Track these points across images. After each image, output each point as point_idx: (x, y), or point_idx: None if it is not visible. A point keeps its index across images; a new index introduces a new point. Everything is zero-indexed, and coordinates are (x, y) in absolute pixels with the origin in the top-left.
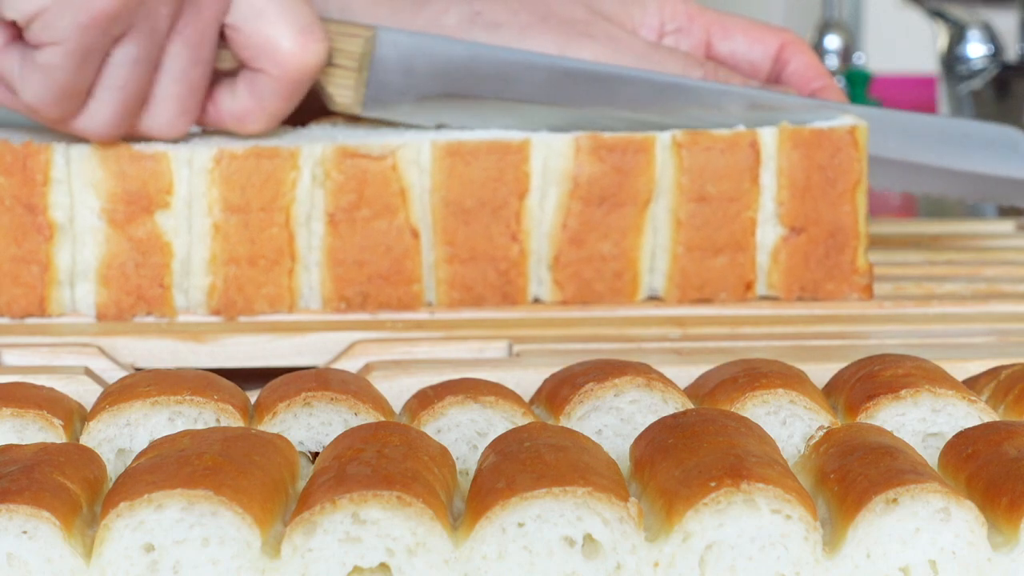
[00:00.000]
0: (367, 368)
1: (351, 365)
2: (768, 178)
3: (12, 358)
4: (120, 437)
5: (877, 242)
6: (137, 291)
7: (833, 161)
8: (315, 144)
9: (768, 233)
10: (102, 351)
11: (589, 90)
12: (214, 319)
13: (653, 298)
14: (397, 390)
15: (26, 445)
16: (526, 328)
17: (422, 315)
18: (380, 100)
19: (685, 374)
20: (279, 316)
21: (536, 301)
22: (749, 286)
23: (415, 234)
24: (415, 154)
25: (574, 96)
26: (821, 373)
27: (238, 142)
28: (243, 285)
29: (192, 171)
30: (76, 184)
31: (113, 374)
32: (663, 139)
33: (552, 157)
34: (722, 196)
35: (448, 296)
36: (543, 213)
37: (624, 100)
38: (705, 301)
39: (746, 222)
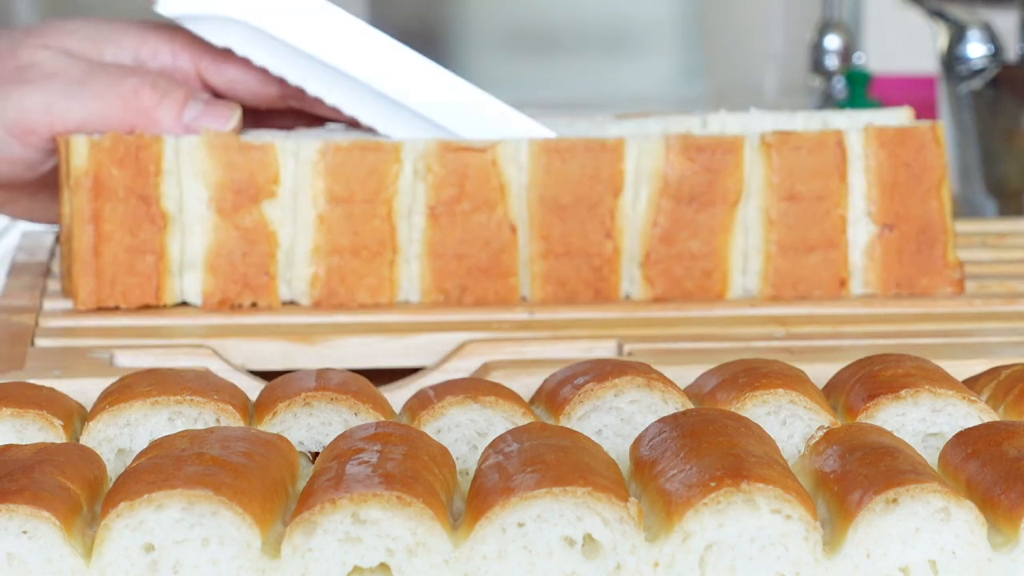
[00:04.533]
0: (485, 368)
1: (463, 366)
2: (856, 177)
3: (125, 359)
4: (120, 437)
5: None
6: (243, 280)
7: (918, 158)
8: (418, 139)
9: (860, 232)
10: (215, 353)
11: (394, 67)
12: (323, 319)
13: (746, 298)
14: (518, 389)
15: (26, 445)
16: (630, 328)
17: (522, 315)
18: None
19: (685, 374)
20: (385, 316)
21: (627, 298)
22: (843, 283)
23: (513, 229)
24: (514, 151)
25: (376, 71)
26: (822, 373)
27: (343, 135)
28: (345, 276)
29: (298, 162)
30: (185, 174)
31: (228, 376)
32: (751, 139)
33: (643, 156)
34: (812, 195)
35: (543, 291)
36: (635, 211)
37: None
38: (800, 299)
39: (836, 220)
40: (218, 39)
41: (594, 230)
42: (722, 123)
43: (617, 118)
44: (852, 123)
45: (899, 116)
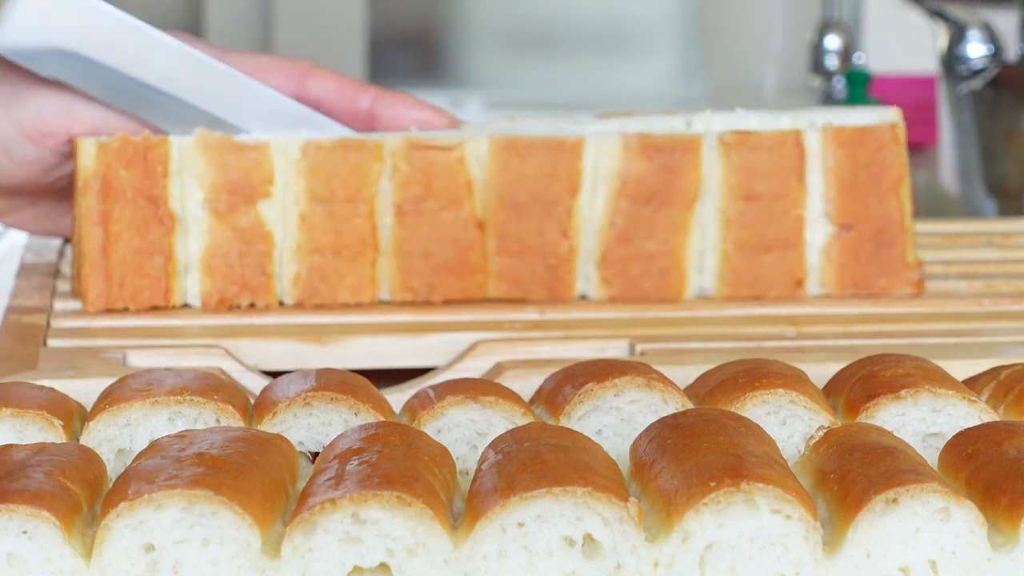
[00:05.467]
0: (498, 368)
1: (475, 366)
2: (814, 177)
3: (138, 360)
4: (120, 437)
5: (949, 240)
6: (241, 280)
7: (877, 158)
8: (396, 137)
9: (817, 232)
10: (228, 353)
11: (219, 88)
12: (335, 319)
13: (703, 297)
14: (530, 389)
15: (26, 445)
16: (642, 327)
17: (533, 315)
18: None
19: (685, 374)
20: (397, 316)
21: (583, 298)
22: (799, 283)
23: (480, 227)
24: (478, 148)
25: (202, 92)
26: (822, 373)
27: (325, 133)
28: (327, 275)
29: (286, 161)
30: (185, 175)
31: (241, 375)
32: (709, 139)
33: (602, 155)
34: (770, 194)
35: (497, 288)
36: (592, 211)
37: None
38: (756, 299)
39: (794, 220)
40: (53, 71)
41: (551, 229)
42: (707, 123)
43: (600, 117)
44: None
45: (888, 117)
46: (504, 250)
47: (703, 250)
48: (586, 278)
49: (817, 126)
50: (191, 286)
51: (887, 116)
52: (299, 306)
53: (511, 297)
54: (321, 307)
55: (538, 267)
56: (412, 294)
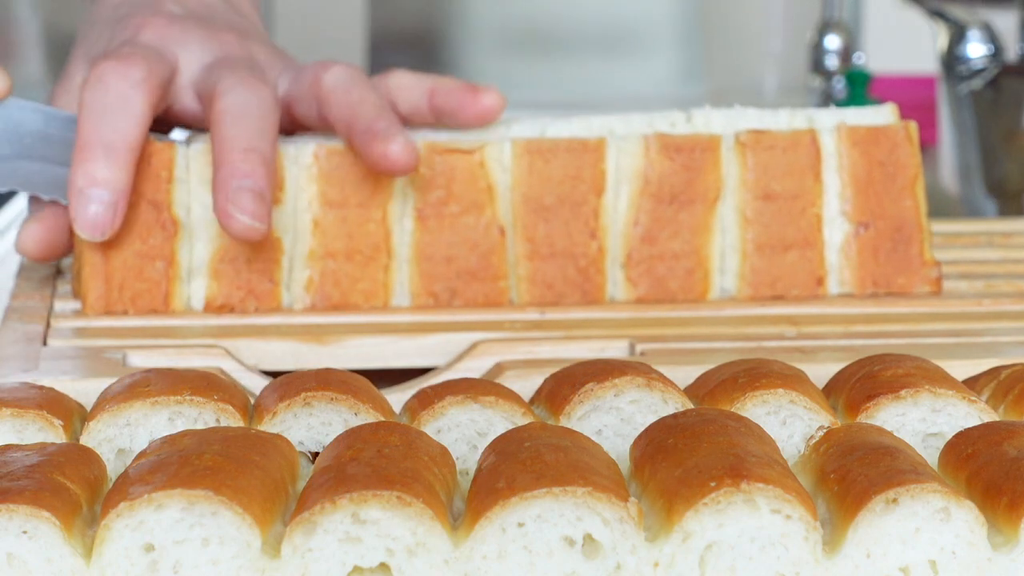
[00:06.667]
0: (498, 368)
1: (475, 365)
2: (830, 176)
3: (138, 360)
4: (120, 437)
5: (949, 240)
6: (247, 285)
7: (891, 157)
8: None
9: (835, 231)
10: (228, 353)
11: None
12: (335, 319)
13: (730, 297)
14: (530, 389)
15: (26, 445)
16: (642, 327)
17: (533, 315)
18: None
19: (685, 374)
20: (397, 316)
21: (612, 300)
22: (820, 281)
23: (502, 231)
24: (498, 152)
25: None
26: (822, 373)
27: (337, 139)
28: (339, 280)
29: (297, 167)
30: (193, 181)
31: (241, 375)
32: (727, 139)
33: (623, 156)
34: (787, 193)
35: (529, 293)
36: (616, 212)
37: None
38: (777, 298)
39: (812, 218)
40: None
41: (578, 230)
42: (706, 118)
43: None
44: (835, 121)
45: (884, 114)
46: (534, 254)
47: (724, 250)
48: (612, 280)
49: (816, 122)
50: (196, 291)
51: (886, 114)
52: (311, 310)
53: (543, 302)
54: (333, 310)
55: (569, 269)
56: (434, 299)
